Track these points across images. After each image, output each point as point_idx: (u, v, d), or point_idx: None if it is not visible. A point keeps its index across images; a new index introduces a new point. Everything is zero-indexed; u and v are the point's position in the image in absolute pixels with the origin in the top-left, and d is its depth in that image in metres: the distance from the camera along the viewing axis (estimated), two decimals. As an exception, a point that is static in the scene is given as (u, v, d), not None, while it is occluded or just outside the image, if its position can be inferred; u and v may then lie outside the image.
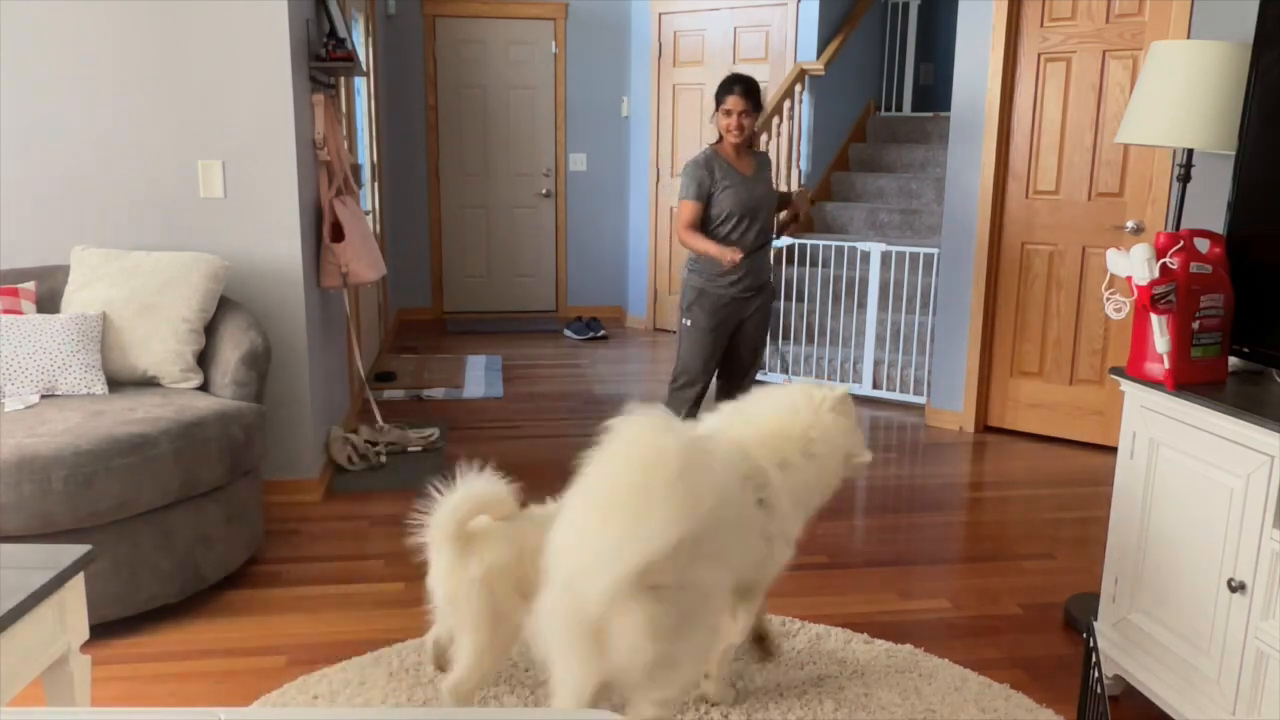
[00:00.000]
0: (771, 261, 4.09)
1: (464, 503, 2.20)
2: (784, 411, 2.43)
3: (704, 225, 3.83)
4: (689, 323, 3.95)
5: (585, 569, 1.83)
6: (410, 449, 4.50)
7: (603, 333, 7.19)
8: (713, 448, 2.08)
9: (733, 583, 2.21)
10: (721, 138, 3.86)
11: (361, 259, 4.14)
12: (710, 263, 3.87)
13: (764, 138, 6.21)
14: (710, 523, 1.91)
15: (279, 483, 3.82)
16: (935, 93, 7.67)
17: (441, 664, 2.45)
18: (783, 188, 4.09)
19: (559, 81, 7.68)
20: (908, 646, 2.81)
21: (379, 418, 4.70)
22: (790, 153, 6.48)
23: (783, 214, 4.10)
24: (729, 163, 3.83)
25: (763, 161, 3.98)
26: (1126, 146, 4.45)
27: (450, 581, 2.21)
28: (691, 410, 4.01)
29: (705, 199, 3.80)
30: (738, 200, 3.79)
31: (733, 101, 3.77)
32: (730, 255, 3.66)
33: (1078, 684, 2.56)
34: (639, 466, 1.83)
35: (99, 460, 2.67)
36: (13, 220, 3.54)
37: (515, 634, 2.25)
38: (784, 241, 5.83)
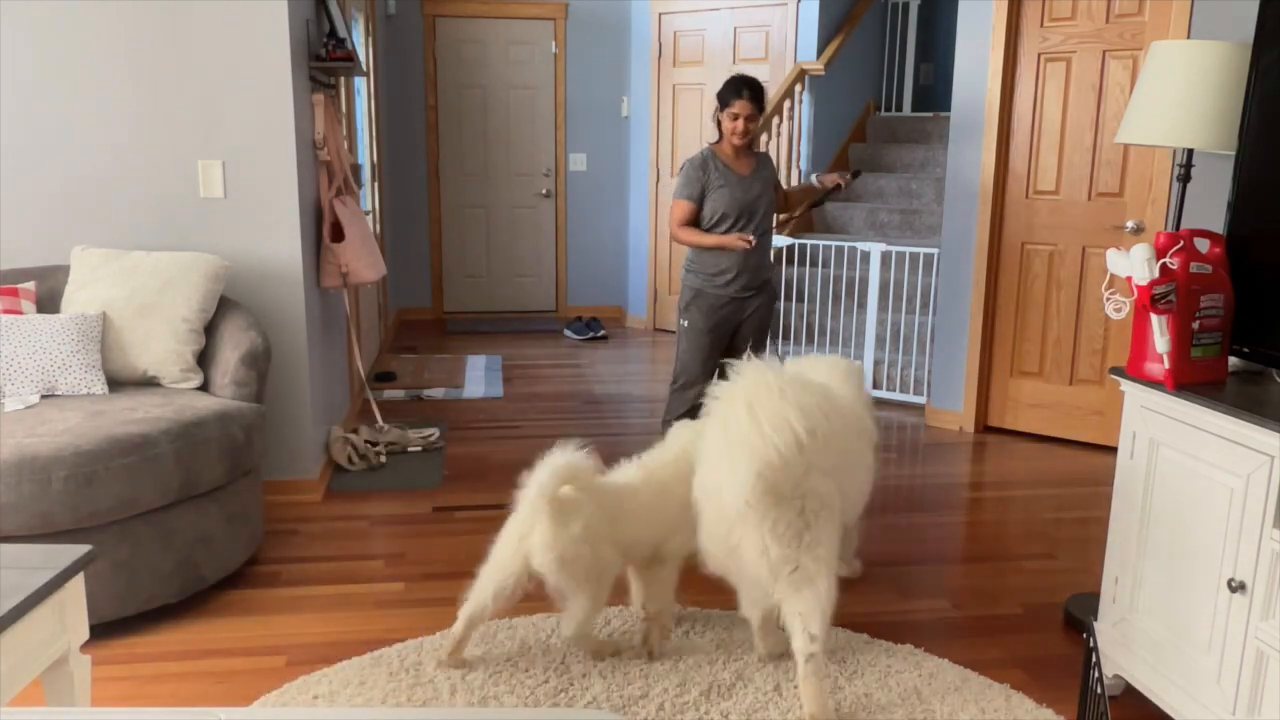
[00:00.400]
0: (772, 260, 4.08)
1: (557, 473, 2.50)
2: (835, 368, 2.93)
3: (698, 225, 3.84)
4: (686, 324, 3.95)
5: (719, 486, 2.27)
6: (410, 449, 4.50)
7: (603, 333, 7.19)
8: (812, 383, 2.44)
9: (843, 503, 2.50)
10: (721, 137, 3.85)
11: (361, 259, 4.14)
12: (707, 263, 3.87)
13: (764, 138, 6.21)
14: (819, 441, 2.26)
15: (279, 483, 3.82)
16: (935, 93, 7.67)
17: (459, 652, 2.66)
18: (816, 180, 4.04)
19: (559, 81, 7.68)
20: (908, 646, 2.81)
21: (379, 418, 4.70)
22: (790, 153, 6.48)
23: (827, 178, 4.02)
24: (726, 163, 3.83)
25: (762, 161, 3.96)
26: (1126, 146, 4.45)
27: (557, 544, 2.48)
28: (693, 411, 4.00)
29: (699, 199, 3.80)
30: (732, 200, 3.78)
31: (741, 106, 3.74)
32: (741, 241, 3.66)
33: (1078, 684, 2.56)
34: (748, 396, 2.26)
35: (99, 460, 2.67)
36: (13, 220, 3.54)
37: (613, 581, 2.62)
38: (784, 241, 5.84)
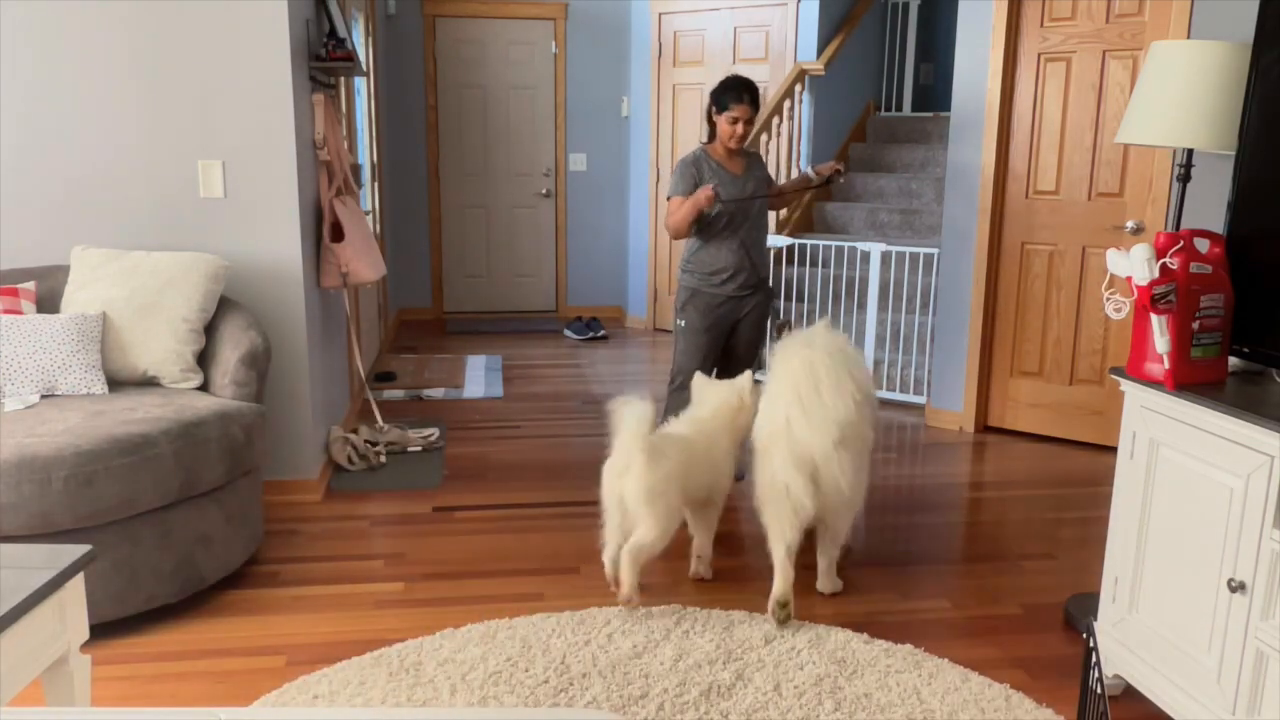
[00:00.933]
0: (768, 259, 4.07)
1: (645, 418, 2.85)
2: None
3: (696, 226, 3.83)
4: (683, 323, 3.94)
5: (808, 435, 2.83)
6: (410, 449, 4.50)
7: (603, 333, 7.19)
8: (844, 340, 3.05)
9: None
10: (713, 138, 3.84)
11: (361, 259, 4.14)
12: (703, 262, 3.87)
13: (764, 138, 6.22)
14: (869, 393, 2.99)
15: (279, 483, 3.82)
16: (935, 93, 7.67)
17: (631, 589, 2.92)
18: (812, 171, 4.04)
19: (559, 81, 7.68)
20: (908, 646, 2.81)
21: (379, 418, 4.70)
22: (790, 153, 6.49)
23: (823, 167, 4.02)
24: (719, 162, 3.83)
25: (753, 160, 3.96)
26: (1126, 146, 4.45)
27: (649, 478, 2.83)
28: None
29: (693, 191, 3.77)
30: (726, 199, 3.77)
31: (740, 110, 3.73)
32: (706, 193, 3.62)
33: (1078, 684, 2.56)
34: (830, 358, 2.89)
35: (99, 460, 2.67)
36: (13, 220, 3.54)
37: (679, 522, 3.05)
38: (784, 241, 5.84)
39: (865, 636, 2.85)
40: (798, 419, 2.85)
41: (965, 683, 2.62)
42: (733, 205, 3.77)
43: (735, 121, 3.74)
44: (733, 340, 3.96)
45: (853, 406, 2.85)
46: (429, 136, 7.63)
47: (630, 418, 2.84)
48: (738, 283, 3.87)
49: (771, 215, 6.41)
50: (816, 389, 2.85)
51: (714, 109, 3.81)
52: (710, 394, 3.29)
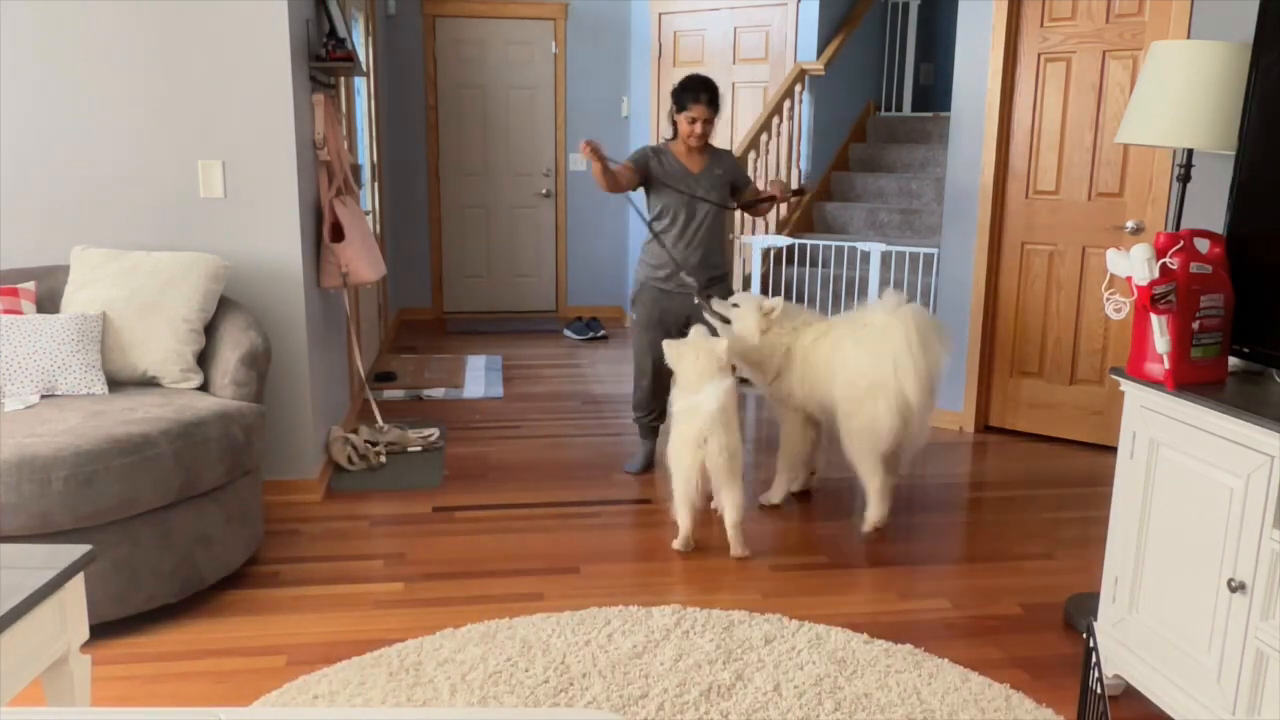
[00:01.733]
0: (722, 258, 4.10)
1: (727, 388, 3.37)
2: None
3: (646, 216, 3.97)
4: (635, 317, 4.06)
5: (912, 385, 3.35)
6: (410, 449, 4.50)
7: (603, 333, 7.19)
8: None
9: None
10: (675, 136, 3.91)
11: (361, 259, 4.14)
12: (650, 254, 4.01)
13: (764, 138, 6.22)
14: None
15: (279, 483, 3.82)
16: (935, 93, 7.67)
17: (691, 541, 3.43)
18: (768, 185, 4.08)
19: (559, 81, 7.68)
20: (907, 646, 2.81)
21: (379, 418, 4.70)
22: (790, 153, 6.48)
23: (773, 186, 4.06)
24: (677, 158, 3.90)
25: (718, 159, 3.98)
26: (1126, 146, 4.45)
27: (730, 445, 3.31)
28: (648, 402, 4.06)
29: (641, 167, 3.90)
30: (673, 193, 3.86)
31: (698, 110, 3.81)
32: (582, 145, 3.71)
33: (1078, 684, 2.56)
34: (925, 322, 3.40)
35: (99, 460, 2.67)
36: (13, 220, 3.54)
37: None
38: (784, 241, 5.84)
39: (865, 636, 2.85)
40: (905, 369, 3.34)
41: (965, 683, 2.62)
42: (610, 161, 3.80)
43: (694, 121, 3.83)
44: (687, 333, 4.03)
45: (942, 365, 3.44)
46: (429, 136, 7.63)
47: (715, 394, 3.26)
48: (674, 282, 3.94)
49: (771, 215, 6.42)
50: (922, 344, 3.34)
51: (674, 108, 3.89)
52: (690, 360, 3.52)
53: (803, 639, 2.83)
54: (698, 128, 3.84)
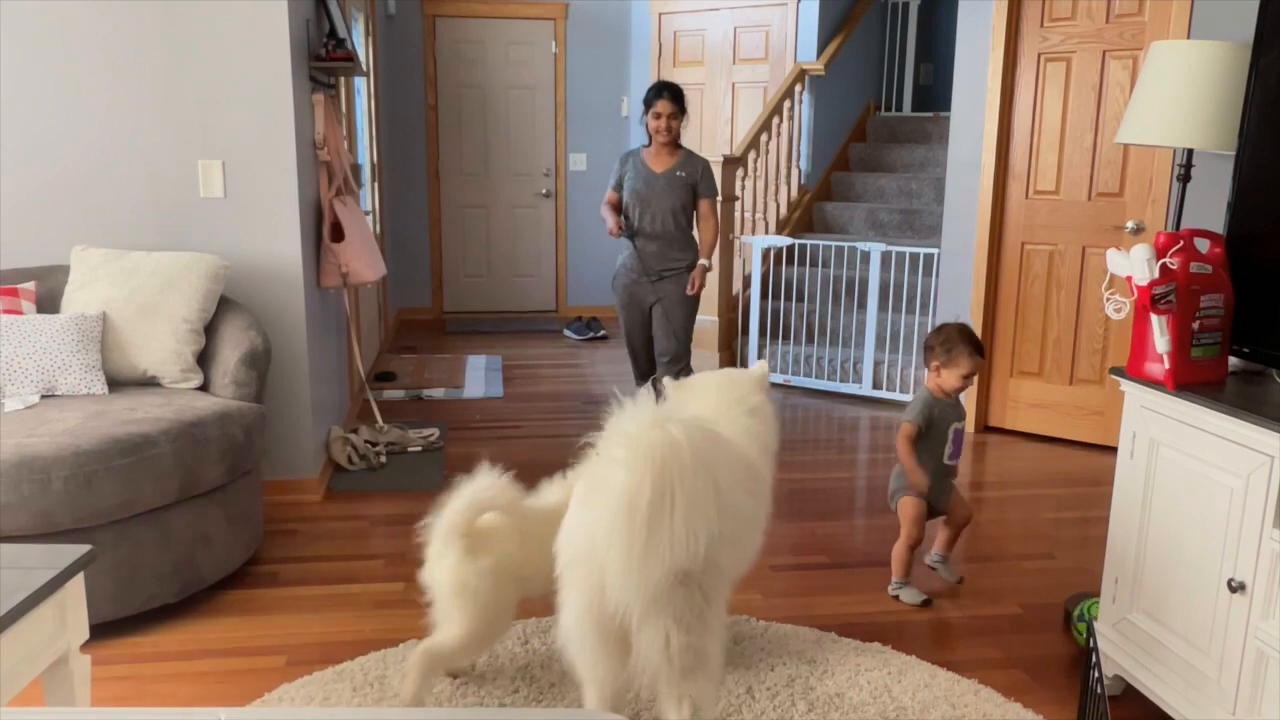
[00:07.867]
0: (680, 253, 4.31)
1: (475, 502, 2.36)
2: (725, 382, 2.57)
3: (620, 211, 4.32)
4: (615, 300, 4.52)
5: (619, 578, 1.85)
6: (410, 449, 4.50)
7: (603, 333, 7.19)
8: (714, 430, 2.04)
9: (737, 568, 2.28)
10: (651, 138, 4.23)
11: (361, 259, 4.14)
12: (623, 246, 4.38)
13: (764, 138, 6.22)
14: (726, 511, 1.91)
15: (279, 483, 3.82)
16: (935, 93, 7.67)
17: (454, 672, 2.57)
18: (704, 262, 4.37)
19: (559, 81, 7.68)
20: (876, 644, 2.81)
21: (379, 418, 4.69)
22: (790, 153, 6.49)
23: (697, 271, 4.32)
24: (644, 159, 4.28)
25: (686, 161, 4.26)
26: (1126, 146, 4.45)
27: (460, 572, 2.35)
28: (645, 380, 4.38)
29: (619, 187, 4.32)
30: (632, 191, 4.24)
31: (662, 105, 4.16)
32: (611, 227, 4.29)
33: (1078, 684, 2.56)
34: (655, 468, 1.78)
35: (99, 460, 2.67)
36: (13, 220, 3.54)
37: (508, 622, 2.51)
38: (783, 241, 5.84)
39: (834, 635, 2.86)
40: (615, 545, 1.85)
41: (934, 679, 2.62)
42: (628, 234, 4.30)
43: (659, 117, 4.17)
44: (652, 326, 4.39)
45: (703, 542, 1.83)
46: (429, 136, 7.63)
47: (456, 503, 2.36)
48: (636, 271, 4.32)
49: (771, 215, 6.42)
50: (659, 504, 1.80)
51: (644, 111, 4.25)
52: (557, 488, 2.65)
53: (772, 638, 2.82)
54: (662, 123, 4.17)
